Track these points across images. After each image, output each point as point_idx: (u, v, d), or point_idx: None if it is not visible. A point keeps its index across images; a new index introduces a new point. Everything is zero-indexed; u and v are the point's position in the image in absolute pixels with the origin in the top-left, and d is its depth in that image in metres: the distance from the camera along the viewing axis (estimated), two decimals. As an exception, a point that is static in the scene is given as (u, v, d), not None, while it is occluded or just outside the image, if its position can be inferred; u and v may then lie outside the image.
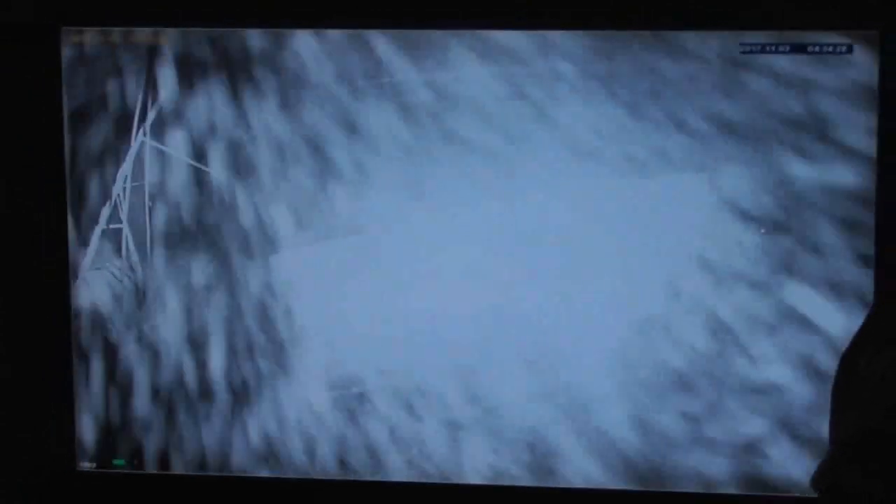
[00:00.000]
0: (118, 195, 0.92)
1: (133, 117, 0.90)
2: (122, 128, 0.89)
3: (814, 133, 0.84)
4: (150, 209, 0.90)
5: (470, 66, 0.86)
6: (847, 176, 0.83)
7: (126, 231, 0.87)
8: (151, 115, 0.91)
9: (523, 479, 0.93)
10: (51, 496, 1.01)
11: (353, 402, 0.93)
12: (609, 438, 0.89)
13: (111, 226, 0.88)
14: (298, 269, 0.91)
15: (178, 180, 0.89)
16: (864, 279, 0.85)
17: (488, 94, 0.85)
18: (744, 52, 0.84)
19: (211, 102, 0.88)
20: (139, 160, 0.90)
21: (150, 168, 0.90)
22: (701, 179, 0.85)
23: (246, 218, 0.88)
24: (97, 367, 0.93)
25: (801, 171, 0.83)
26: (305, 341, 0.91)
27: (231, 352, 0.94)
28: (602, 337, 0.88)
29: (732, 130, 0.81)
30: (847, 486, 0.55)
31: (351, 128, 0.84)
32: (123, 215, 0.90)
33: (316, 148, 0.84)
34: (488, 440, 0.93)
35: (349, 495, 0.95)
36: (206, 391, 0.92)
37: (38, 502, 1.02)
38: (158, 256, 0.93)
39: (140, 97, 0.91)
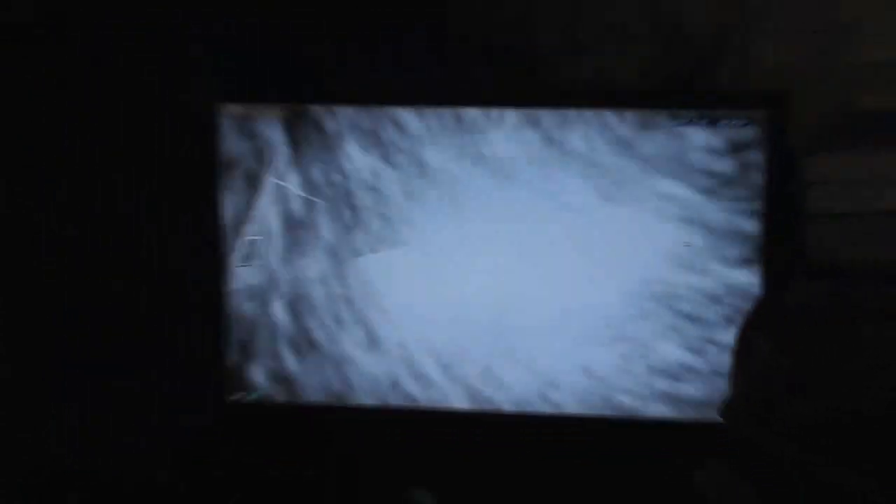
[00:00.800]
0: (265, 217, 1.18)
1: (265, 166, 1.16)
2: (257, 172, 1.15)
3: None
4: (280, 225, 1.17)
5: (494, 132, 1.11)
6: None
7: (261, 240, 1.16)
8: (278, 163, 1.16)
9: (534, 407, 1.16)
10: (209, 425, 1.28)
11: (419, 355, 1.18)
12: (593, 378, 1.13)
13: (251, 237, 1.16)
14: (380, 267, 1.18)
15: (297, 206, 1.16)
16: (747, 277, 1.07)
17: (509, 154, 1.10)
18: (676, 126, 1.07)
19: (318, 155, 1.13)
20: (270, 193, 1.16)
21: (278, 198, 1.16)
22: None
23: (341, 231, 1.15)
24: (244, 324, 1.18)
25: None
26: (386, 313, 1.17)
27: (336, 319, 1.18)
28: (578, 311, 1.13)
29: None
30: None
31: (422, 171, 1.12)
32: (267, 224, 1.17)
33: (391, 184, 1.13)
34: (504, 381, 1.16)
35: (420, 418, 1.17)
36: (314, 345, 1.18)
37: (199, 431, 1.29)
38: (279, 253, 1.18)
39: (270, 152, 1.16)
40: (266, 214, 1.20)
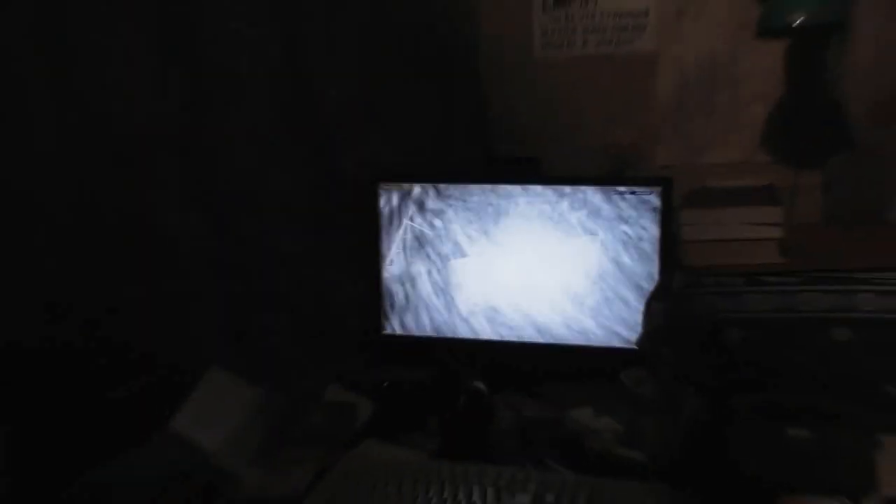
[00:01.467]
0: (401, 239, 1.54)
1: (402, 213, 1.51)
2: (400, 216, 1.51)
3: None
4: (410, 242, 1.53)
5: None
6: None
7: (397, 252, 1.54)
8: (408, 212, 1.51)
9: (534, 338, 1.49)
10: (369, 348, 1.60)
11: (477, 311, 1.52)
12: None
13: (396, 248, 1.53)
14: (456, 266, 1.51)
15: (417, 234, 1.51)
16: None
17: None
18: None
19: (426, 206, 1.49)
20: (405, 228, 1.52)
21: (408, 230, 1.52)
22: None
23: (437, 247, 1.51)
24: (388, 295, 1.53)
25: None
26: (459, 289, 1.51)
27: (433, 292, 1.53)
28: (559, 288, 1.48)
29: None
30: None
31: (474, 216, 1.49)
32: (402, 244, 1.54)
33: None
34: (518, 325, 1.49)
35: (476, 345, 1.50)
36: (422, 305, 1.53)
37: (362, 351, 1.60)
38: (408, 259, 1.53)
39: (405, 205, 1.51)
40: (402, 238, 1.56)
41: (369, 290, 1.58)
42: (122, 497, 1.20)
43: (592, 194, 1.44)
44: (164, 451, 1.25)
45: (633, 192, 1.43)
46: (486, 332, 1.55)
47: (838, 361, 1.23)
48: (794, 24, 1.27)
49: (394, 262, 1.58)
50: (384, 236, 1.56)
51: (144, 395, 1.33)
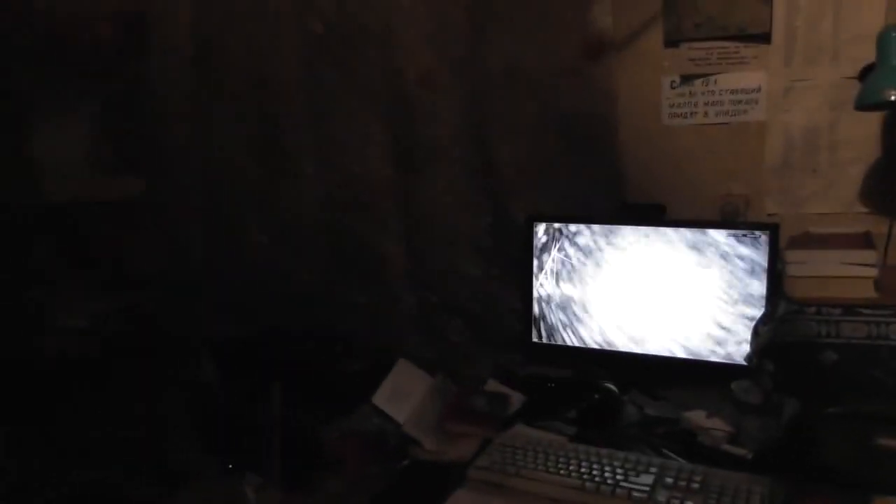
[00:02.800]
0: (550, 267, 1.56)
1: (553, 246, 1.55)
2: (550, 249, 1.55)
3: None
4: (557, 269, 1.56)
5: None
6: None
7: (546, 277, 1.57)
8: (558, 244, 1.54)
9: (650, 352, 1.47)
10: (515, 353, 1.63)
11: (612, 327, 1.51)
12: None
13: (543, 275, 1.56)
14: (587, 289, 1.53)
15: (561, 264, 1.55)
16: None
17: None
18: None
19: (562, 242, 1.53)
20: (554, 258, 1.56)
21: (559, 260, 1.56)
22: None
23: (574, 275, 1.52)
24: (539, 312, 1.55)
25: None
26: (590, 307, 1.52)
27: (574, 309, 1.55)
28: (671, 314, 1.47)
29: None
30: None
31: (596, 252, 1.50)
32: (550, 270, 1.56)
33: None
34: (650, 341, 1.48)
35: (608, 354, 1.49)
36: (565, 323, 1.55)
37: (516, 353, 1.62)
38: (555, 282, 1.54)
39: (554, 240, 1.55)
40: (550, 266, 1.59)
41: (524, 305, 1.61)
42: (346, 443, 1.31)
43: (712, 235, 1.42)
44: (369, 417, 1.32)
45: (744, 234, 1.40)
46: (618, 345, 1.53)
47: (925, 383, 1.09)
48: (889, 101, 1.20)
49: (543, 284, 1.60)
50: (536, 264, 1.59)
51: (364, 371, 1.43)
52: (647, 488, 1.11)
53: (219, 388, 1.47)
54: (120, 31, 1.75)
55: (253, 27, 1.72)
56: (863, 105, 1.26)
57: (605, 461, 1.19)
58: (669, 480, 1.13)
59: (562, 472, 1.17)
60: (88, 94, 1.74)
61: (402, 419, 1.30)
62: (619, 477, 1.15)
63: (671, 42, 1.52)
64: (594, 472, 1.16)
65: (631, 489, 1.11)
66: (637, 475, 1.15)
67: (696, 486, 1.12)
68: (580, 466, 1.18)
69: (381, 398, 1.32)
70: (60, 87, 1.66)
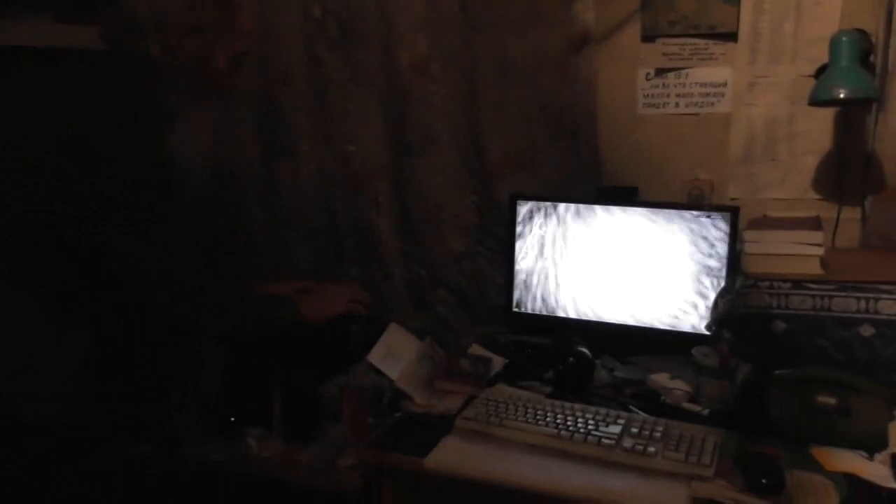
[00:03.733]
0: (530, 243, 1.65)
1: (533, 224, 1.63)
2: (531, 227, 1.66)
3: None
4: (536, 245, 1.64)
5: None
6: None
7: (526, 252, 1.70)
8: (537, 223, 1.64)
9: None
10: (497, 322, 1.73)
11: (586, 298, 1.60)
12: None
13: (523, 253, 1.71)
14: (558, 263, 1.61)
15: (540, 240, 1.66)
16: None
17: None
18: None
19: (546, 220, 1.62)
20: (533, 235, 1.64)
21: (538, 237, 1.66)
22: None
23: (549, 251, 1.64)
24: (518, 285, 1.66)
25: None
26: (576, 283, 1.62)
27: (546, 282, 1.65)
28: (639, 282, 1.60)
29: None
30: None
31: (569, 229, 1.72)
32: (530, 247, 1.66)
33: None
34: (619, 311, 1.58)
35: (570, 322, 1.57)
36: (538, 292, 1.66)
37: (500, 321, 1.72)
38: (535, 257, 1.64)
39: (533, 219, 1.63)
40: (530, 243, 1.68)
41: (507, 279, 1.73)
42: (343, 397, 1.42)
43: (677, 215, 1.52)
44: (365, 374, 1.44)
45: (708, 216, 1.51)
46: (591, 315, 1.64)
47: (863, 351, 1.30)
48: (838, 98, 1.34)
49: (524, 259, 1.71)
50: (518, 240, 1.69)
51: (362, 333, 1.53)
52: (614, 436, 1.25)
53: (222, 349, 1.56)
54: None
55: (257, 9, 1.79)
56: (815, 101, 1.41)
57: (578, 414, 1.32)
58: (634, 430, 1.27)
59: (539, 422, 1.30)
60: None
61: (395, 376, 1.42)
62: (590, 427, 1.28)
63: (648, 37, 1.65)
64: (568, 423, 1.29)
65: (601, 437, 1.25)
66: (606, 426, 1.29)
67: (657, 435, 1.25)
68: (556, 418, 1.31)
69: (375, 356, 1.44)
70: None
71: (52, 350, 1.15)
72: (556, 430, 1.26)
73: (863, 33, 1.44)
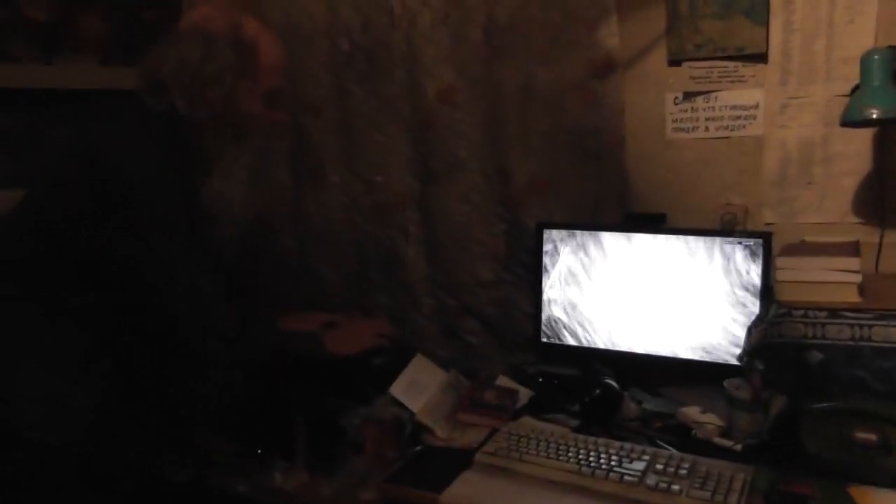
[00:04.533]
0: (557, 271, 1.65)
1: (562, 252, 1.64)
2: (559, 255, 1.64)
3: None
4: (566, 274, 1.64)
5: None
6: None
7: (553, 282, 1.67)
8: (566, 251, 1.63)
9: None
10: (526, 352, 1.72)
11: (615, 328, 1.58)
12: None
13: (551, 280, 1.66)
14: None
15: (574, 267, 1.67)
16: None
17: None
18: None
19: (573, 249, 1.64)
20: (563, 264, 1.67)
21: (567, 266, 1.68)
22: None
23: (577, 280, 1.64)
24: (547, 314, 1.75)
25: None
26: (606, 312, 1.60)
27: (586, 308, 1.64)
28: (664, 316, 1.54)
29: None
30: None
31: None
32: (559, 275, 1.67)
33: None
34: (650, 341, 1.55)
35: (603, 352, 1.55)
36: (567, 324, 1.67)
37: (528, 352, 1.71)
38: (563, 286, 1.66)
39: (562, 247, 1.65)
40: (559, 271, 1.68)
41: (534, 308, 1.72)
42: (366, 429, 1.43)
43: (708, 242, 1.49)
44: (387, 406, 1.45)
45: (740, 242, 1.48)
46: (620, 345, 1.61)
47: (906, 382, 1.19)
48: (871, 119, 1.30)
49: (552, 288, 1.70)
50: (545, 269, 1.70)
51: (387, 366, 1.53)
52: (638, 473, 1.22)
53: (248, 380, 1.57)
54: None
55: (287, 46, 1.83)
56: (847, 122, 1.37)
57: (601, 449, 1.30)
58: (660, 467, 1.24)
59: (561, 457, 1.28)
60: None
61: (417, 409, 1.42)
62: (613, 463, 1.25)
63: (674, 61, 1.63)
64: (591, 459, 1.27)
65: (623, 473, 1.22)
66: (630, 462, 1.26)
67: (683, 472, 1.22)
68: (578, 453, 1.29)
69: (397, 389, 1.45)
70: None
71: (77, 377, 1.20)
72: (577, 466, 1.24)
73: (898, 50, 1.39)
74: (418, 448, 1.39)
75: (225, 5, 1.40)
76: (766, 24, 1.52)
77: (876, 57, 1.31)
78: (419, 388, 1.46)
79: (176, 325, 1.21)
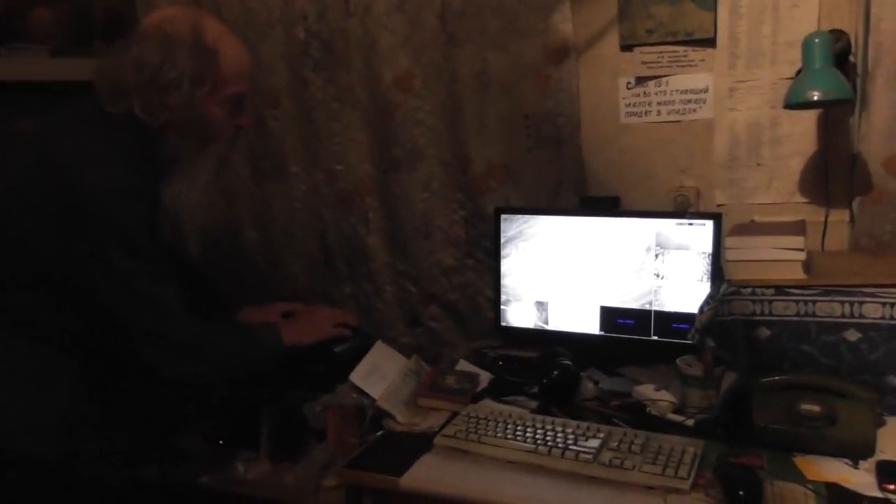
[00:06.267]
0: (515, 255, 1.72)
1: (519, 237, 1.79)
2: (517, 240, 1.80)
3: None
4: (523, 259, 1.67)
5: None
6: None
7: (516, 264, 1.78)
8: (523, 236, 1.81)
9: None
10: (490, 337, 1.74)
11: (572, 310, 1.61)
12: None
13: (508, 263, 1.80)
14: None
15: (531, 252, 1.77)
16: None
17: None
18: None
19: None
20: (520, 249, 1.79)
21: (522, 246, 1.86)
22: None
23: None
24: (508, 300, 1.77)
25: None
26: (563, 295, 1.66)
27: (542, 292, 1.70)
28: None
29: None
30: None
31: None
32: (517, 260, 1.75)
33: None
34: (605, 322, 1.61)
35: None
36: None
37: (486, 339, 1.74)
38: (521, 271, 1.72)
39: (519, 232, 1.68)
40: (517, 256, 1.69)
41: (494, 293, 1.74)
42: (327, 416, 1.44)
43: (661, 223, 1.54)
44: (348, 393, 1.47)
45: (690, 224, 1.53)
46: (578, 327, 1.65)
47: (849, 356, 1.30)
48: (812, 101, 1.34)
49: (511, 273, 1.72)
50: (504, 253, 1.72)
51: (348, 354, 1.54)
52: (592, 451, 1.25)
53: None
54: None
55: (243, 35, 1.83)
56: (790, 104, 1.41)
57: (558, 429, 1.33)
58: (614, 444, 1.28)
59: (518, 438, 1.31)
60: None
61: (377, 395, 1.44)
62: (569, 442, 1.29)
63: (626, 46, 1.66)
64: (548, 438, 1.30)
65: (578, 451, 1.25)
66: (586, 440, 1.29)
67: (637, 448, 1.26)
68: (535, 433, 1.32)
69: (358, 376, 1.47)
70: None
71: (41, 381, 1.21)
72: (534, 446, 1.27)
73: (840, 33, 1.43)
74: (379, 433, 1.41)
75: (187, 7, 1.40)
76: (714, 8, 1.55)
77: (817, 40, 1.35)
78: (380, 374, 1.48)
79: (129, 334, 1.21)
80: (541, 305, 1.67)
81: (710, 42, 1.57)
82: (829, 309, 1.33)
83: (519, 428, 1.33)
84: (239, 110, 1.31)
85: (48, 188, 1.13)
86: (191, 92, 1.19)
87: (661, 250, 1.54)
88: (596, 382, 1.51)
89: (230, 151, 1.78)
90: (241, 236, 2.02)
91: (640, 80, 1.65)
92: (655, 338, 1.56)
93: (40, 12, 1.94)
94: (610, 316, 1.60)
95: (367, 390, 1.44)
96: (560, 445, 1.26)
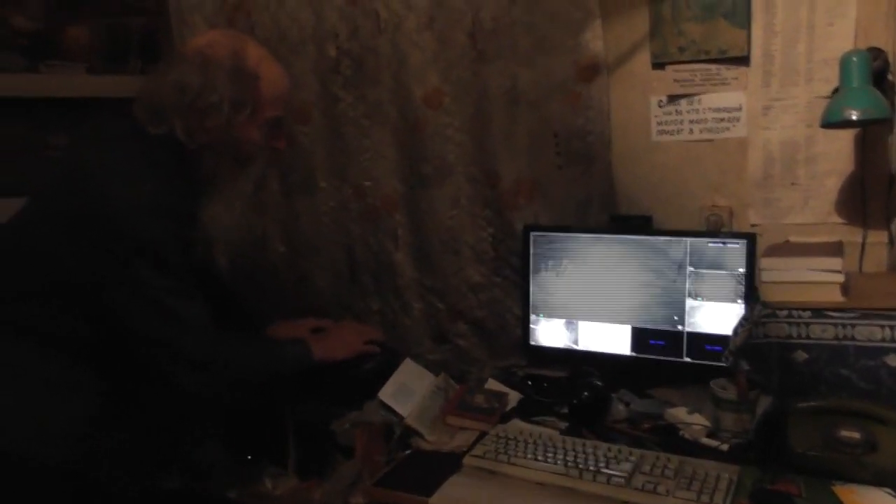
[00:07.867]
0: (545, 273, 1.72)
1: (549, 255, 1.72)
2: (546, 257, 1.81)
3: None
4: (554, 276, 1.70)
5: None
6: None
7: (547, 281, 1.79)
8: (554, 253, 1.77)
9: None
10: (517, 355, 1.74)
11: (603, 329, 1.59)
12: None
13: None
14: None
15: (562, 270, 1.74)
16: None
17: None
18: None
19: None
20: (550, 266, 1.83)
21: (552, 264, 1.81)
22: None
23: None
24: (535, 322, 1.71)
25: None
26: (594, 314, 1.63)
27: (572, 311, 1.67)
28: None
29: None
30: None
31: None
32: (547, 278, 1.69)
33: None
34: (637, 343, 1.60)
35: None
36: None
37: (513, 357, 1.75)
38: (551, 288, 1.66)
39: (549, 249, 1.73)
40: (547, 274, 1.68)
41: (523, 310, 1.73)
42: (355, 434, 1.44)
43: (693, 243, 1.52)
44: (376, 411, 1.46)
45: (724, 243, 1.51)
46: (609, 347, 1.63)
47: (889, 381, 1.25)
48: (850, 120, 1.31)
49: (540, 291, 1.70)
50: (533, 271, 1.70)
51: (376, 371, 1.53)
52: (625, 474, 1.23)
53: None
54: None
55: (275, 52, 1.83)
56: (827, 124, 1.38)
57: (589, 451, 1.31)
58: (647, 468, 1.25)
59: (549, 459, 1.29)
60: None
61: (405, 413, 1.43)
62: (600, 464, 1.26)
63: (658, 64, 1.64)
64: (578, 460, 1.28)
65: (610, 475, 1.23)
66: (618, 463, 1.27)
67: (670, 472, 1.23)
68: (566, 455, 1.30)
69: (386, 394, 1.46)
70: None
71: (61, 390, 1.21)
72: (565, 468, 1.25)
73: (878, 51, 1.41)
74: (408, 452, 1.40)
75: (230, 32, 1.43)
76: (748, 26, 1.53)
77: (854, 59, 1.32)
78: (408, 392, 1.47)
79: (146, 346, 1.21)
80: (570, 325, 1.65)
81: (744, 60, 1.56)
82: (869, 333, 1.28)
83: (549, 449, 1.31)
84: (276, 133, 1.32)
85: (77, 199, 1.14)
86: (230, 116, 1.20)
87: (694, 270, 1.50)
88: (627, 404, 1.48)
89: (265, 172, 1.82)
90: (268, 250, 2.01)
91: (672, 99, 1.64)
92: (688, 359, 1.52)
93: (77, 31, 1.99)
94: (641, 336, 1.57)
95: (395, 408, 1.43)
96: (591, 468, 1.24)
